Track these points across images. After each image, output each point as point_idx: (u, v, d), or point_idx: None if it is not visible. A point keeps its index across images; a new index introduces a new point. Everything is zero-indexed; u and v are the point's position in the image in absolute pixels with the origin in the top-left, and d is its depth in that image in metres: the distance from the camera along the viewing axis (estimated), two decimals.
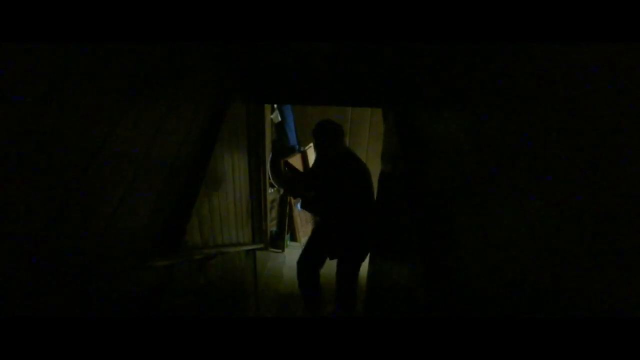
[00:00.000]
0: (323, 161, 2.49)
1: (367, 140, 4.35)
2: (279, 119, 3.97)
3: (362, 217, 2.47)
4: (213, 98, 1.80)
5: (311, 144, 4.06)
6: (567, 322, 0.56)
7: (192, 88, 1.46)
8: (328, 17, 1.36)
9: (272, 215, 3.99)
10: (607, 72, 0.52)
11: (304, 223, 4.45)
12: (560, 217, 0.60)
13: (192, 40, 1.30)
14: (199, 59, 1.52)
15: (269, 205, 3.64)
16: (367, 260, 2.78)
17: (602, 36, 0.52)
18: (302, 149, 4.24)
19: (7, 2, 0.55)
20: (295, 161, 4.10)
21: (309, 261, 2.68)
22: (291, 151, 4.16)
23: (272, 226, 4.06)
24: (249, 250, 2.78)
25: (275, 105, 3.88)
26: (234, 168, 2.22)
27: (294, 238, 4.42)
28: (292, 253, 4.17)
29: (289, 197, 4.10)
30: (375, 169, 3.21)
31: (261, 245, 3.30)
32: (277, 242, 4.16)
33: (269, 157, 3.69)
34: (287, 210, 4.17)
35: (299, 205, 4.02)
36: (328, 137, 2.42)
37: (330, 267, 2.72)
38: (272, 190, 4.02)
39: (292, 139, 4.18)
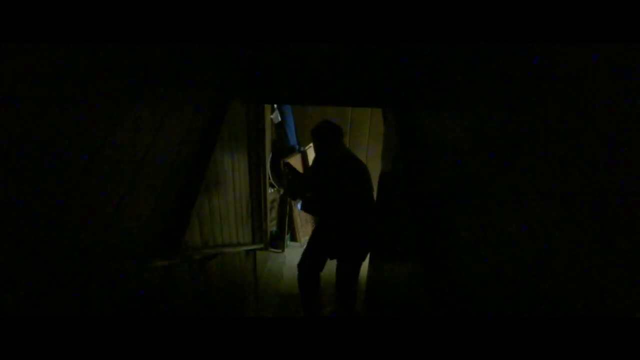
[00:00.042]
0: (323, 161, 2.49)
1: (367, 140, 4.35)
2: (279, 119, 3.97)
3: (362, 217, 2.47)
4: (213, 98, 1.80)
5: (311, 144, 4.05)
6: (567, 322, 0.56)
7: (192, 88, 1.46)
8: (328, 17, 1.36)
9: (272, 215, 3.99)
10: (607, 72, 0.52)
11: (304, 223, 4.45)
12: (560, 217, 0.60)
13: (192, 40, 1.30)
14: (199, 59, 1.52)
15: (269, 205, 3.64)
16: (367, 260, 2.77)
17: (602, 36, 0.52)
18: (302, 149, 4.24)
19: (7, 2, 0.55)
20: (295, 161, 4.10)
21: (311, 265, 2.68)
22: (291, 151, 4.16)
23: (272, 226, 4.06)
24: (249, 250, 2.78)
25: (275, 105, 3.88)
26: (234, 168, 2.22)
27: (294, 238, 4.42)
28: (292, 253, 4.17)
29: (288, 198, 4.10)
30: (375, 169, 3.21)
31: (261, 245, 3.30)
32: (277, 242, 4.16)
33: (269, 157, 3.69)
34: (287, 210, 4.17)
35: (299, 206, 4.02)
36: (328, 138, 2.43)
37: (330, 267, 2.71)
38: (272, 190, 4.02)
39: (292, 139, 4.18)
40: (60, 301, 0.70)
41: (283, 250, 4.16)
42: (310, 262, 2.65)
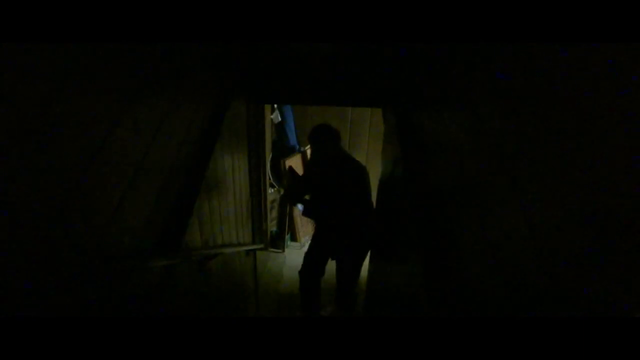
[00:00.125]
0: (322, 162, 2.50)
1: (367, 140, 4.35)
2: (279, 119, 3.97)
3: (362, 217, 2.48)
4: (213, 98, 1.80)
5: None
6: (567, 322, 0.56)
7: (192, 88, 1.46)
8: (328, 17, 1.36)
9: (272, 215, 3.99)
10: (607, 72, 0.52)
11: (304, 223, 4.45)
12: (560, 217, 0.60)
13: (192, 40, 1.30)
14: (199, 59, 1.53)
15: (269, 205, 3.64)
16: (367, 260, 2.77)
17: (602, 36, 0.52)
18: (302, 149, 4.24)
19: (7, 2, 0.55)
20: (295, 161, 4.10)
21: (312, 271, 2.69)
22: (291, 151, 4.16)
23: (272, 226, 4.06)
24: (249, 250, 2.78)
25: (275, 105, 3.88)
26: (234, 168, 2.22)
27: (294, 238, 4.42)
28: (292, 253, 4.17)
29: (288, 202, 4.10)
30: (375, 169, 3.21)
31: (261, 246, 3.30)
32: (277, 242, 4.16)
33: (269, 157, 3.69)
34: (287, 210, 4.17)
35: (300, 207, 4.02)
36: (326, 140, 2.46)
37: (330, 267, 2.72)
38: (272, 190, 4.02)
39: (292, 139, 4.18)
40: (60, 301, 0.70)
41: (283, 251, 4.16)
42: (311, 267, 2.66)
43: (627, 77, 0.48)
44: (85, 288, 0.78)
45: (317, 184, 2.48)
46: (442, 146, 1.35)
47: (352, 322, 2.30)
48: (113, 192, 0.87)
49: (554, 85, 0.64)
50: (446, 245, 1.19)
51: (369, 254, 2.75)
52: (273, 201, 4.02)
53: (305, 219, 4.45)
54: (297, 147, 4.23)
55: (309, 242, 2.74)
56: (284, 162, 4.04)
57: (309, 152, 4.22)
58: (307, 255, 2.67)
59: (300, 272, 2.72)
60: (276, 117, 3.92)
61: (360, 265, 2.66)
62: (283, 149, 4.15)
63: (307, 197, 2.62)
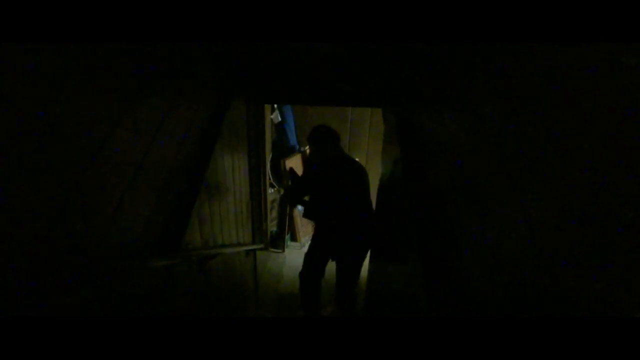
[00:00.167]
0: (323, 162, 2.51)
1: (367, 140, 4.35)
2: (279, 119, 3.97)
3: (362, 217, 2.49)
4: (213, 98, 1.80)
5: None
6: (567, 322, 0.56)
7: (192, 88, 1.46)
8: (328, 17, 1.36)
9: (272, 215, 3.99)
10: (607, 72, 0.52)
11: (304, 223, 4.45)
12: (560, 217, 0.60)
13: (192, 40, 1.30)
14: (199, 59, 1.52)
15: (269, 205, 3.64)
16: (367, 260, 2.78)
17: (602, 36, 0.52)
18: (302, 149, 4.24)
19: (7, 2, 0.55)
20: (296, 161, 4.10)
21: (312, 272, 2.70)
22: (291, 151, 4.16)
23: (272, 226, 4.06)
24: (249, 250, 2.78)
25: (275, 105, 3.88)
26: (234, 168, 2.22)
27: (294, 238, 4.42)
28: (292, 253, 4.17)
29: (288, 203, 4.10)
30: (375, 169, 3.21)
31: (261, 246, 3.30)
32: (277, 242, 4.16)
33: (269, 157, 3.69)
34: (287, 210, 4.17)
35: (300, 208, 4.02)
36: (326, 140, 2.47)
37: (330, 267, 2.72)
38: (272, 190, 4.02)
39: (292, 139, 4.18)
40: (60, 301, 0.70)
41: (283, 251, 4.16)
42: (312, 268, 2.67)
43: (627, 77, 0.48)
44: (85, 288, 0.78)
45: (317, 184, 2.48)
46: (442, 146, 1.35)
47: (352, 322, 2.30)
48: (113, 192, 0.87)
49: (554, 85, 0.64)
50: (446, 245, 1.19)
51: (369, 254, 2.76)
52: (273, 201, 4.02)
53: (305, 219, 4.45)
54: (297, 147, 4.23)
55: (309, 242, 2.74)
56: (284, 162, 4.04)
57: (309, 152, 4.22)
58: (307, 256, 2.67)
59: (300, 273, 2.72)
60: (276, 117, 3.92)
61: (360, 265, 2.67)
62: (283, 149, 4.15)
63: (306, 198, 2.62)
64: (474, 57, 1.06)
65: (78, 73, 0.72)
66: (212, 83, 1.76)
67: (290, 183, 2.70)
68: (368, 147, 4.38)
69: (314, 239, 2.65)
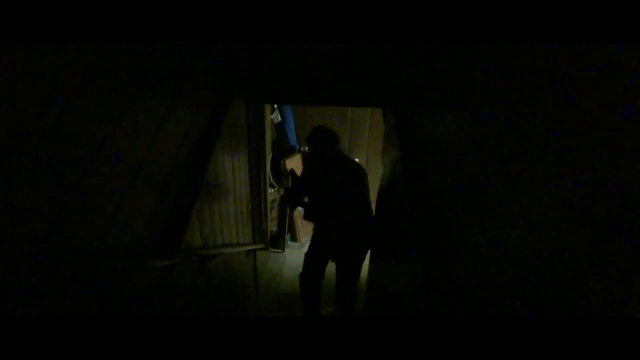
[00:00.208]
0: (323, 162, 2.51)
1: (367, 140, 4.35)
2: (279, 119, 3.97)
3: (361, 217, 2.50)
4: (213, 98, 1.80)
5: None
6: (567, 322, 0.56)
7: (192, 88, 1.46)
8: (328, 17, 1.36)
9: (272, 215, 3.99)
10: (607, 72, 0.52)
11: (304, 223, 4.45)
12: (560, 217, 0.60)
13: (192, 40, 1.30)
14: (199, 59, 1.52)
15: (269, 205, 3.64)
16: (367, 260, 2.78)
17: (602, 36, 0.52)
18: (302, 149, 4.24)
19: (7, 2, 0.55)
20: (296, 161, 4.10)
21: (313, 274, 2.70)
22: (291, 151, 4.16)
23: (272, 226, 4.06)
24: (249, 250, 2.78)
25: (275, 105, 3.88)
26: (234, 168, 2.22)
27: (294, 238, 4.42)
28: (292, 253, 4.17)
29: (288, 205, 4.09)
30: (375, 169, 3.20)
31: (261, 246, 3.30)
32: (277, 242, 4.16)
33: (269, 157, 3.69)
34: (287, 211, 4.17)
35: (300, 209, 4.02)
36: (325, 141, 2.47)
37: (330, 267, 2.72)
38: (272, 190, 4.02)
39: (292, 139, 4.18)
40: (61, 301, 0.70)
41: (283, 250, 4.16)
42: (312, 270, 2.67)
43: (627, 77, 0.48)
44: (85, 288, 0.78)
45: (316, 185, 2.48)
46: (442, 146, 1.35)
47: (352, 322, 2.30)
48: (113, 192, 0.87)
49: (554, 85, 0.64)
50: (446, 245, 1.19)
51: (368, 254, 2.76)
52: (273, 201, 4.02)
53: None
54: (297, 147, 4.23)
55: (309, 242, 2.74)
56: (284, 162, 4.04)
57: (307, 153, 4.22)
58: (307, 257, 2.68)
59: (300, 275, 2.73)
60: (276, 117, 3.92)
61: (360, 265, 2.67)
62: (283, 149, 4.15)
63: (306, 199, 2.62)
64: (474, 57, 1.06)
65: (78, 73, 0.72)
66: (212, 83, 1.76)
67: (290, 184, 2.70)
68: (368, 147, 4.38)
69: (313, 240, 2.65)
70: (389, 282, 1.99)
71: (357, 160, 4.35)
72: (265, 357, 1.21)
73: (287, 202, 3.89)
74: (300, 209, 4.04)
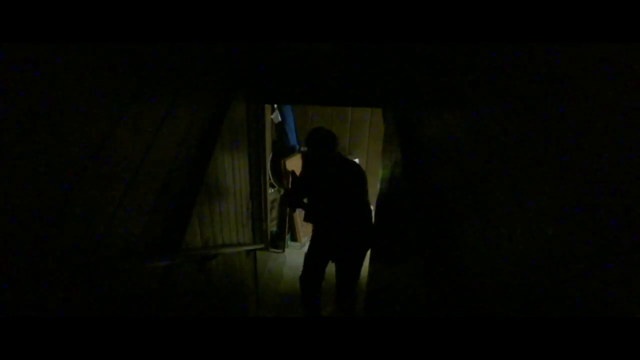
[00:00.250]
0: (323, 163, 2.51)
1: (367, 140, 4.35)
2: (279, 119, 3.97)
3: (361, 217, 2.50)
4: (213, 98, 1.80)
5: None
6: (567, 322, 0.56)
7: (192, 88, 1.46)
8: (328, 17, 1.36)
9: (272, 215, 3.99)
10: (607, 72, 0.52)
11: (304, 223, 4.44)
12: (560, 217, 0.60)
13: (192, 40, 1.30)
14: (199, 58, 1.52)
15: (269, 205, 3.64)
16: (367, 260, 2.78)
17: (602, 36, 0.52)
18: (302, 149, 4.24)
19: (7, 2, 0.55)
20: (295, 161, 4.10)
21: (313, 276, 2.70)
22: (291, 151, 4.16)
23: (272, 226, 4.06)
24: (249, 250, 2.78)
25: (275, 105, 3.88)
26: (234, 168, 2.22)
27: (294, 238, 4.43)
28: (292, 253, 4.17)
29: (288, 208, 4.09)
30: (375, 169, 3.20)
31: (261, 246, 3.30)
32: (277, 242, 4.16)
33: (269, 157, 3.69)
34: (287, 211, 4.18)
35: (298, 211, 4.02)
36: (324, 143, 2.48)
37: (330, 267, 2.72)
38: (272, 190, 4.02)
39: (292, 139, 4.18)
40: (61, 301, 0.70)
41: (283, 250, 4.16)
42: (312, 272, 2.67)
43: (627, 77, 0.48)
44: (85, 288, 0.78)
45: (317, 187, 2.49)
46: (442, 146, 1.35)
47: (352, 322, 2.30)
48: (113, 192, 0.87)
49: (554, 85, 0.64)
50: (446, 245, 1.19)
51: (368, 254, 2.76)
52: (273, 201, 4.02)
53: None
54: (297, 147, 4.23)
55: (309, 243, 2.74)
56: (284, 162, 4.04)
57: (306, 154, 4.22)
58: (307, 259, 2.68)
59: (300, 277, 2.73)
60: (276, 117, 3.92)
61: (360, 265, 2.67)
62: (283, 149, 4.15)
63: (305, 200, 2.62)
64: (474, 57, 1.06)
65: (78, 73, 0.72)
66: (212, 83, 1.76)
67: (290, 185, 2.70)
68: (368, 147, 4.38)
69: (313, 242, 2.65)
70: (389, 282, 1.99)
71: (357, 160, 4.35)
72: (265, 357, 1.21)
73: (288, 205, 3.89)
74: (298, 210, 4.05)
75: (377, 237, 2.50)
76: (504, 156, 0.82)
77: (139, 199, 1.00)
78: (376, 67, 2.27)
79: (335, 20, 1.38)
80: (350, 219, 2.46)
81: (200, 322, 1.40)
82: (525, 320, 0.67)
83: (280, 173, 4.10)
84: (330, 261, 2.70)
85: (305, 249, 3.03)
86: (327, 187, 2.45)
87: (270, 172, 3.84)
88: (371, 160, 4.38)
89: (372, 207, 2.65)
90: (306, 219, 2.63)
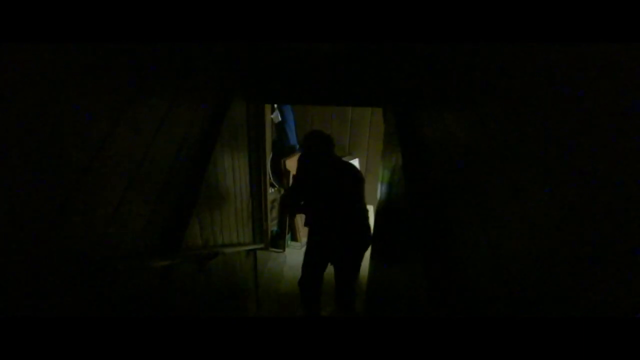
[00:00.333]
0: (321, 166, 2.52)
1: (367, 140, 4.35)
2: (279, 119, 3.97)
3: (360, 218, 2.51)
4: (213, 98, 1.80)
5: None
6: (567, 322, 0.56)
7: (192, 88, 1.46)
8: (328, 17, 1.36)
9: (272, 215, 3.99)
10: (607, 72, 0.52)
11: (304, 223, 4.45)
12: (560, 217, 0.60)
13: (192, 40, 1.30)
14: (199, 58, 1.52)
15: (269, 205, 3.64)
16: (367, 260, 2.78)
17: (602, 36, 0.52)
18: (302, 149, 4.24)
19: (7, 2, 0.55)
20: (296, 161, 4.10)
21: (312, 280, 2.70)
22: (291, 151, 4.16)
23: (272, 226, 4.06)
24: (250, 250, 2.78)
25: (275, 105, 3.88)
26: (234, 168, 2.22)
27: (294, 238, 4.43)
28: (292, 253, 4.17)
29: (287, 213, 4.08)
30: (375, 169, 3.20)
31: (261, 245, 3.30)
32: (277, 242, 4.15)
33: (269, 157, 3.69)
34: (287, 218, 4.17)
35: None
36: (319, 145, 2.49)
37: (329, 267, 2.72)
38: (272, 190, 4.02)
39: (292, 139, 4.18)
40: (61, 301, 0.70)
41: (284, 250, 4.16)
42: (311, 274, 2.68)
43: (627, 77, 0.48)
44: (85, 288, 0.78)
45: (314, 189, 2.49)
46: (442, 146, 1.35)
47: (352, 322, 2.30)
48: (113, 192, 0.87)
49: (554, 85, 0.64)
50: (446, 245, 1.19)
51: (368, 254, 2.76)
52: (273, 201, 4.02)
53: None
54: (297, 147, 4.23)
55: (306, 246, 2.74)
56: (284, 162, 4.04)
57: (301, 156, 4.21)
58: (305, 263, 2.68)
59: (299, 282, 2.73)
60: (276, 117, 3.92)
61: (359, 266, 2.68)
62: (283, 149, 4.15)
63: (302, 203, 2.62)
64: (474, 57, 1.06)
65: (78, 73, 0.72)
66: (212, 83, 1.76)
67: (289, 186, 2.71)
68: (368, 147, 4.38)
69: (309, 246, 2.66)
70: (389, 282, 1.99)
71: (357, 160, 4.35)
72: (265, 358, 1.21)
73: (286, 209, 3.87)
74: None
75: (377, 237, 2.51)
76: (504, 156, 0.82)
77: (139, 199, 1.00)
78: (376, 67, 2.27)
79: (335, 20, 1.38)
80: (348, 220, 2.46)
81: (200, 322, 1.40)
82: (525, 320, 0.67)
83: (280, 173, 4.10)
84: (329, 263, 2.70)
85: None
86: (325, 190, 2.46)
87: (270, 171, 3.84)
88: (371, 160, 4.38)
89: (370, 207, 2.66)
90: (306, 223, 2.63)
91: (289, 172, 3.99)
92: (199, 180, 1.48)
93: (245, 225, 2.73)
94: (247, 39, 1.47)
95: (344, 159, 3.41)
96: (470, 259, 0.99)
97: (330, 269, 2.73)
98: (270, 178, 3.85)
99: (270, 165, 3.90)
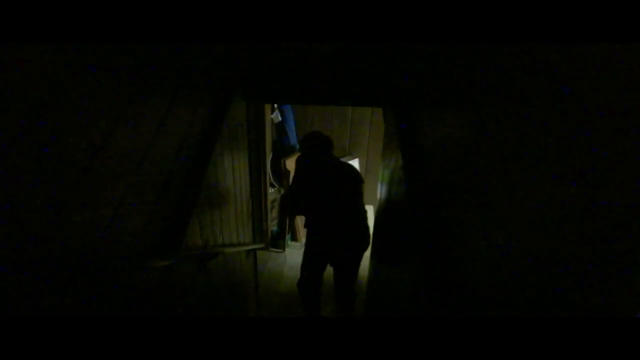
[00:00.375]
0: (319, 166, 2.52)
1: (367, 140, 4.35)
2: (279, 119, 3.97)
3: (357, 218, 2.52)
4: (213, 98, 1.80)
5: None
6: (567, 322, 0.56)
7: (192, 88, 1.46)
8: (328, 17, 1.36)
9: (272, 215, 3.99)
10: (607, 72, 0.52)
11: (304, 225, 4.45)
12: (560, 217, 0.60)
13: (192, 40, 1.30)
14: (199, 59, 1.52)
15: (269, 205, 3.64)
16: (366, 260, 2.78)
17: (602, 36, 0.52)
18: (301, 149, 4.24)
19: (7, 2, 0.55)
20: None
21: (311, 281, 2.70)
22: (291, 151, 4.16)
23: (272, 226, 4.06)
24: (250, 250, 2.78)
25: (276, 105, 3.88)
26: (234, 168, 2.22)
27: (294, 238, 4.43)
28: (292, 253, 4.17)
29: (288, 216, 4.08)
30: (375, 168, 3.20)
31: (262, 245, 3.30)
32: (277, 242, 4.16)
33: (269, 157, 3.69)
34: (287, 220, 4.17)
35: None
36: (321, 146, 2.49)
37: (328, 267, 2.72)
38: (272, 190, 4.02)
39: (292, 139, 4.18)
40: (60, 301, 0.70)
41: (284, 250, 4.16)
42: (310, 274, 2.68)
43: (627, 77, 0.48)
44: (85, 288, 0.78)
45: (314, 191, 2.49)
46: (442, 146, 1.35)
47: (352, 322, 2.30)
48: (113, 192, 0.87)
49: (554, 86, 0.64)
50: (446, 245, 1.19)
51: (368, 254, 2.76)
52: (273, 201, 4.02)
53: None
54: (297, 147, 4.23)
55: (304, 249, 2.74)
56: (284, 162, 4.04)
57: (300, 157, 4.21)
58: (304, 265, 2.68)
59: (298, 284, 2.73)
60: (276, 117, 3.92)
61: (358, 267, 2.68)
62: (283, 149, 4.15)
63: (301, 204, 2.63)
64: (474, 57, 1.06)
65: (78, 73, 0.72)
66: (212, 83, 1.76)
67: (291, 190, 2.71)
68: (368, 147, 4.38)
69: (308, 247, 2.66)
70: (389, 282, 1.99)
71: (357, 160, 4.35)
72: (265, 358, 1.21)
73: (286, 211, 3.87)
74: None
75: (377, 237, 2.51)
76: (504, 156, 0.82)
77: (139, 199, 1.00)
78: (376, 67, 2.27)
79: (335, 20, 1.38)
80: (347, 221, 2.47)
81: (200, 322, 1.40)
82: (525, 321, 0.67)
83: (280, 173, 4.10)
84: (328, 264, 2.70)
85: None
86: (324, 191, 2.46)
87: (270, 171, 3.84)
88: (371, 160, 4.38)
89: (370, 208, 2.66)
90: (306, 225, 2.64)
91: (289, 172, 3.98)
92: (199, 180, 1.48)
93: (245, 225, 2.73)
94: (247, 39, 1.47)
95: (344, 159, 3.42)
96: (470, 259, 0.99)
97: (329, 270, 2.73)
98: (270, 178, 3.85)
99: (270, 165, 3.90)
